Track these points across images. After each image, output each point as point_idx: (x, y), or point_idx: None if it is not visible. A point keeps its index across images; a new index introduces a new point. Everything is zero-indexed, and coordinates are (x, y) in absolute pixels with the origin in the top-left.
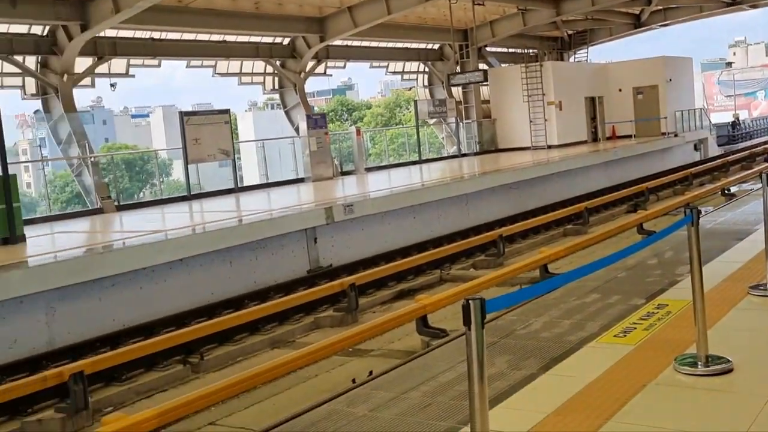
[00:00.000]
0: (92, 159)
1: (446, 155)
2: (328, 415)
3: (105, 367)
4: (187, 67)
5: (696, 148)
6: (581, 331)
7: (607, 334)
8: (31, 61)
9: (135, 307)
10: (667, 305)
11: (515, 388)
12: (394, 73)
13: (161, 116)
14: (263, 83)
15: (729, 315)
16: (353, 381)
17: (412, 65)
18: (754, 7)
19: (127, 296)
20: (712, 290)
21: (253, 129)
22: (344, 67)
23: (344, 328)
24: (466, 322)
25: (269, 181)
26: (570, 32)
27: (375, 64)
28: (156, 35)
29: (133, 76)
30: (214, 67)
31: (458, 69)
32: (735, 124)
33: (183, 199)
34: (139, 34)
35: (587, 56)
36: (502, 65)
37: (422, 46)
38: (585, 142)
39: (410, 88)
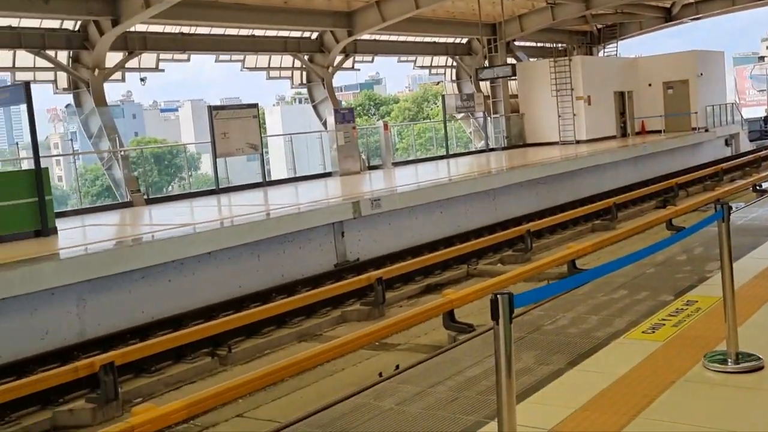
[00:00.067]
0: (122, 153)
1: (474, 150)
2: (355, 408)
3: (134, 358)
4: (215, 61)
5: (727, 143)
6: (609, 327)
7: (636, 330)
8: (63, 56)
9: (164, 299)
10: (697, 302)
11: (542, 384)
12: (422, 67)
13: (190, 110)
14: (291, 78)
15: (760, 312)
16: (380, 375)
17: (440, 60)
18: None
19: (156, 289)
20: (742, 287)
21: (281, 123)
22: (372, 61)
23: (371, 322)
24: (494, 316)
25: (297, 175)
26: (599, 26)
27: (403, 58)
28: (185, 30)
29: (162, 70)
30: (243, 61)
31: (486, 63)
32: (767, 119)
33: (211, 192)
34: (168, 28)
35: (617, 50)
36: (531, 60)
37: (450, 40)
38: (614, 137)
39: (438, 83)
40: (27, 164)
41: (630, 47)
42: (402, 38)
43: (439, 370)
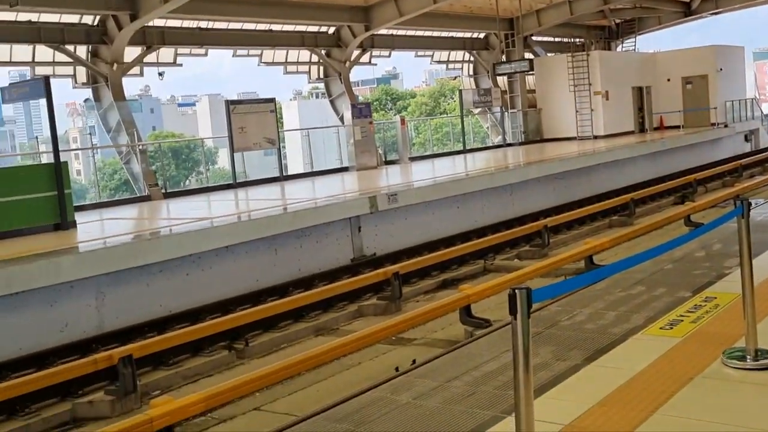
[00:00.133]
0: (140, 147)
1: (491, 145)
2: (372, 402)
3: (153, 351)
4: (233, 56)
5: (747, 139)
6: (626, 323)
7: (654, 326)
8: (82, 51)
9: (182, 293)
10: (715, 298)
11: (559, 379)
12: (439, 62)
13: (207, 105)
14: (308, 72)
15: None
16: (396, 369)
17: (458, 54)
18: None
19: (174, 282)
20: (762, 284)
21: (298, 118)
22: (389, 56)
23: (388, 317)
24: (512, 311)
25: (314, 170)
26: (618, 21)
27: (420, 53)
28: (203, 24)
29: (180, 65)
30: (260, 56)
31: (504, 58)
32: None
33: (228, 187)
34: (186, 23)
35: (635, 45)
36: (548, 54)
37: (468, 35)
38: (632, 132)
39: (455, 78)
40: (46, 158)
41: (648, 42)
42: (419, 33)
43: (455, 365)
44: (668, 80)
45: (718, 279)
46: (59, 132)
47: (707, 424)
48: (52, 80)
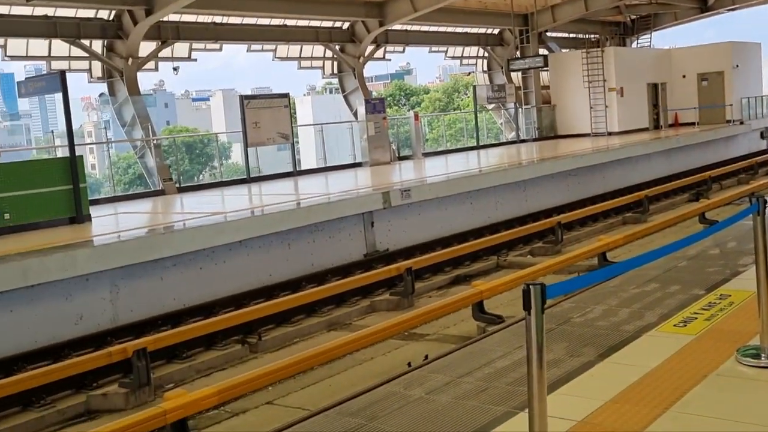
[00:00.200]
0: (155, 141)
1: (505, 141)
2: (384, 397)
3: (166, 344)
4: (247, 51)
5: (763, 136)
6: (640, 320)
7: (667, 323)
8: (97, 45)
9: (195, 287)
10: (730, 296)
11: (572, 375)
12: (453, 57)
13: (221, 100)
14: (322, 67)
15: None
16: (409, 364)
17: (472, 50)
18: None
19: (187, 276)
20: None
21: (311, 113)
22: (403, 51)
23: (400, 312)
24: (526, 306)
25: (327, 165)
26: (633, 17)
27: (434, 48)
28: (218, 19)
29: (194, 59)
30: (274, 51)
31: (518, 54)
32: None
33: (242, 181)
34: (201, 18)
35: (650, 41)
36: (563, 50)
37: (482, 30)
38: (646, 129)
39: (469, 73)
40: (62, 152)
41: (664, 38)
42: (433, 28)
43: (468, 361)
44: (683, 77)
45: (733, 276)
46: (75, 126)
47: (721, 422)
48: (67, 74)
